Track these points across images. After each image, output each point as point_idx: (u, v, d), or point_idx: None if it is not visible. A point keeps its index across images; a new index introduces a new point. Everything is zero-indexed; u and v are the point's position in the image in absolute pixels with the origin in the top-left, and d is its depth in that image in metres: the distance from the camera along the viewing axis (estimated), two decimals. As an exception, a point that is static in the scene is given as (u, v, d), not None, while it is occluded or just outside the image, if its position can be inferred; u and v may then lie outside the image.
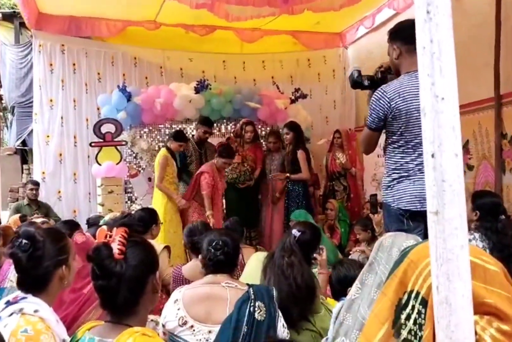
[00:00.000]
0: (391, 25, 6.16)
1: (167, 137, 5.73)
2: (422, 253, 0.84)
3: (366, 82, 2.68)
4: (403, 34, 2.50)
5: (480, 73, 4.56)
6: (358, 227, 4.75)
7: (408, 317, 0.81)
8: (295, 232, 2.53)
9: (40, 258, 1.64)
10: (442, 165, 0.77)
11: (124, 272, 1.36)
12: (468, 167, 4.86)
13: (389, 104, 2.45)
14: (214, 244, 2.17)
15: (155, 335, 1.34)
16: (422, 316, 0.81)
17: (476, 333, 0.78)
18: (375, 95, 2.54)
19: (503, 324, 0.80)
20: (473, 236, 2.80)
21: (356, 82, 2.71)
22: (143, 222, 3.68)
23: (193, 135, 6.02)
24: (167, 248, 3.73)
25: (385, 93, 2.47)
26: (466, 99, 4.41)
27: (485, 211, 2.90)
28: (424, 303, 0.81)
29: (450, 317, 0.74)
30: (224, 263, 2.16)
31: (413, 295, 0.82)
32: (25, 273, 1.65)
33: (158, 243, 3.76)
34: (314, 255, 2.72)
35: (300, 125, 5.85)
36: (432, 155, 0.77)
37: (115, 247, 1.36)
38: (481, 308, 0.79)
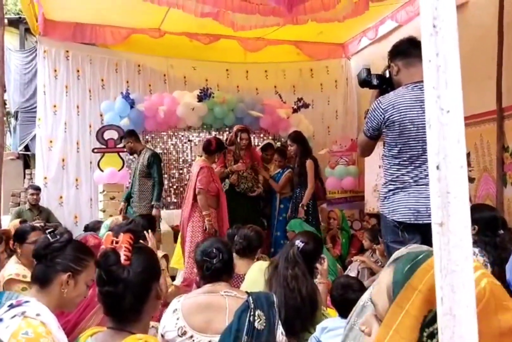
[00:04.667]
0: (393, 37, 6.27)
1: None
2: None
3: (375, 81, 2.67)
4: (399, 50, 2.58)
5: (482, 86, 4.58)
6: (367, 235, 4.71)
7: (431, 336, 0.80)
8: (298, 242, 2.51)
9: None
10: (447, 177, 0.77)
11: (131, 278, 1.37)
12: (469, 179, 4.84)
13: (383, 116, 2.50)
14: (208, 253, 2.14)
15: (157, 342, 1.34)
16: None
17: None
18: (372, 105, 2.59)
19: None
20: (473, 251, 2.77)
21: (365, 81, 2.69)
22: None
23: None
24: (165, 256, 3.71)
25: (380, 104, 2.53)
26: (468, 111, 4.34)
27: (483, 225, 2.83)
28: None
29: (454, 329, 0.74)
30: (223, 270, 2.13)
31: None
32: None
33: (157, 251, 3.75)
34: (316, 264, 2.72)
35: (303, 135, 5.75)
36: (437, 167, 0.78)
37: (122, 253, 1.38)
38: None
